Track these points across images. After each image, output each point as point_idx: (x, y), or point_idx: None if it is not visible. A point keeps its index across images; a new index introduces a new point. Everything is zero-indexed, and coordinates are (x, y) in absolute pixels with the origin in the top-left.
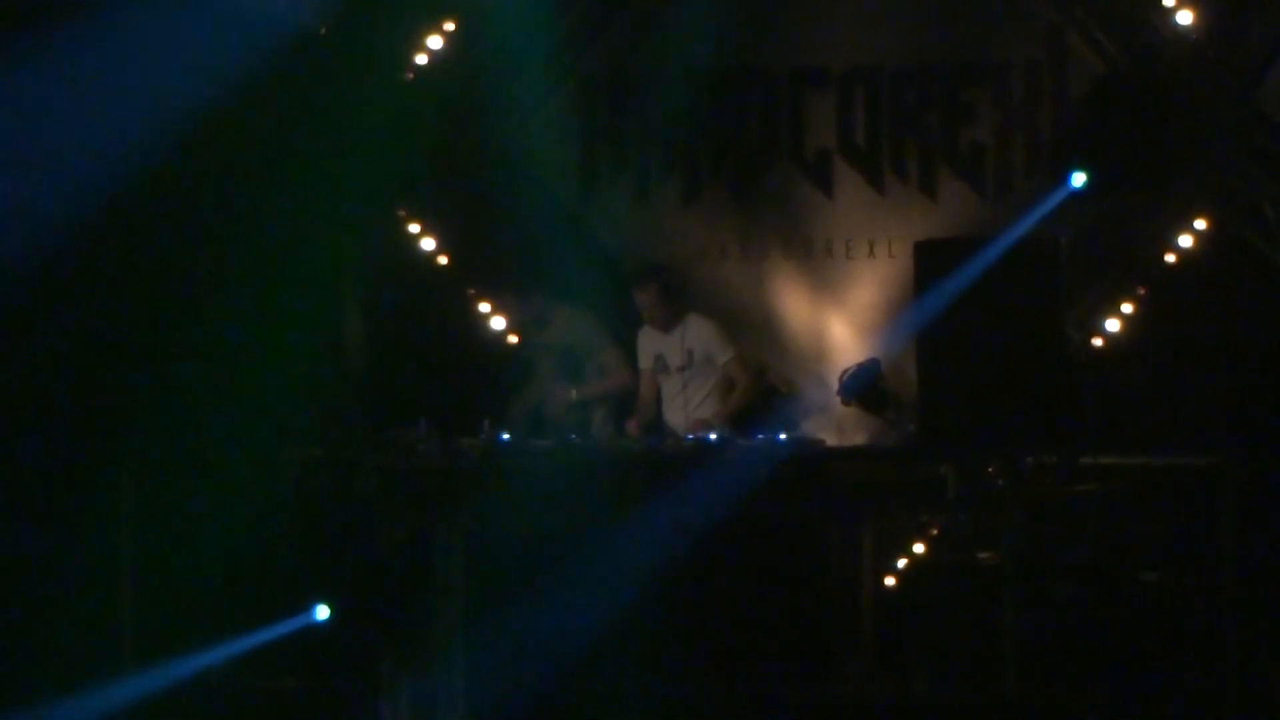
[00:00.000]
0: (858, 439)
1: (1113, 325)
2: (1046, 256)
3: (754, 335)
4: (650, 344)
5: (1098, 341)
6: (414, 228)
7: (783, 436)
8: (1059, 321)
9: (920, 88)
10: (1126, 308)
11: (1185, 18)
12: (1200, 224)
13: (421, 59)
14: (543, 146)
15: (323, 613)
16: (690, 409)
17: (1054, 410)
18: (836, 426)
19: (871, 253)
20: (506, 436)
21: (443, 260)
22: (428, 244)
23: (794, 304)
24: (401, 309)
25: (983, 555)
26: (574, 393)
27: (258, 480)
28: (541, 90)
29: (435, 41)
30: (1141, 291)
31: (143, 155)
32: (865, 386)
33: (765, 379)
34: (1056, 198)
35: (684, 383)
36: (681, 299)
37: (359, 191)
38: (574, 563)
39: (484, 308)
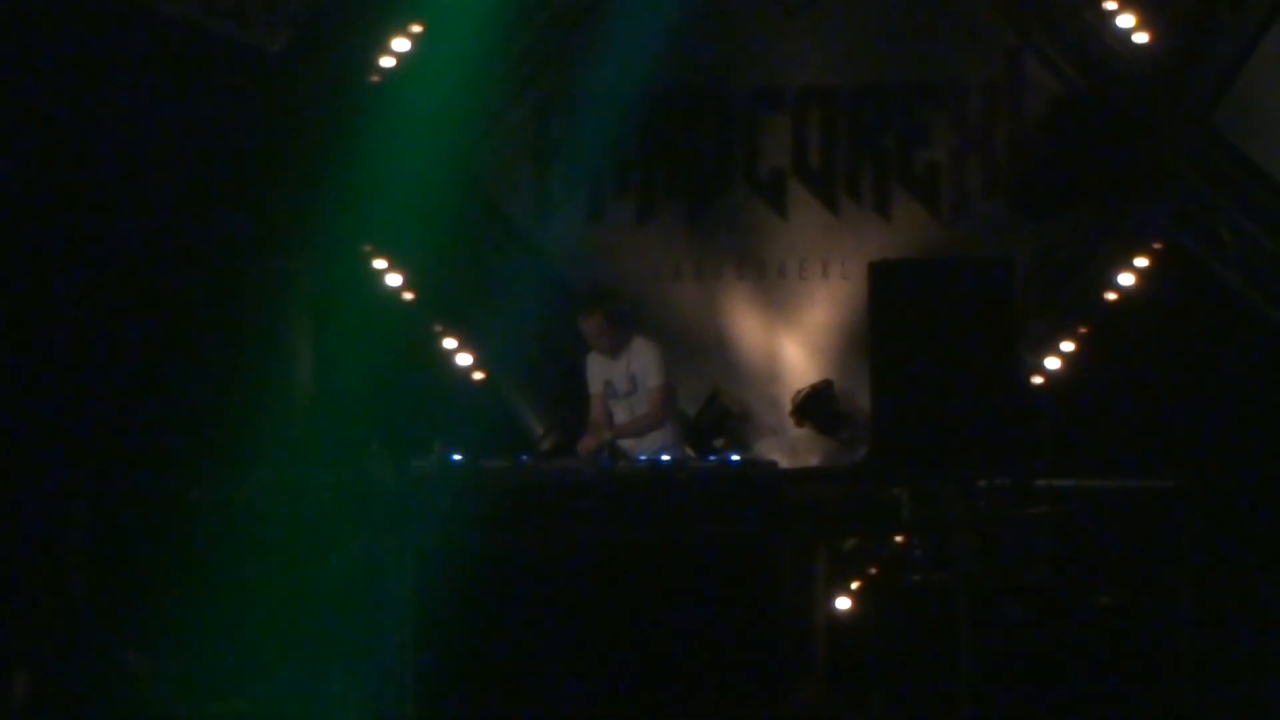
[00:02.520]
0: (811, 460)
1: (1068, 347)
2: (1001, 278)
3: (707, 356)
4: (599, 368)
5: (1053, 363)
6: (364, 247)
7: (735, 458)
8: (1013, 343)
9: (876, 108)
10: (1082, 329)
11: (1142, 39)
12: (1156, 246)
13: (375, 78)
14: (496, 165)
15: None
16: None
17: (1008, 432)
18: (790, 448)
19: (825, 273)
20: (458, 457)
21: (406, 294)
22: (378, 263)
23: (748, 325)
24: (351, 327)
25: (936, 577)
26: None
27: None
28: (495, 108)
29: (387, 61)
30: (1097, 314)
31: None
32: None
33: (716, 405)
34: None
35: (631, 408)
36: (627, 324)
37: (312, 213)
38: (525, 584)
39: (449, 343)
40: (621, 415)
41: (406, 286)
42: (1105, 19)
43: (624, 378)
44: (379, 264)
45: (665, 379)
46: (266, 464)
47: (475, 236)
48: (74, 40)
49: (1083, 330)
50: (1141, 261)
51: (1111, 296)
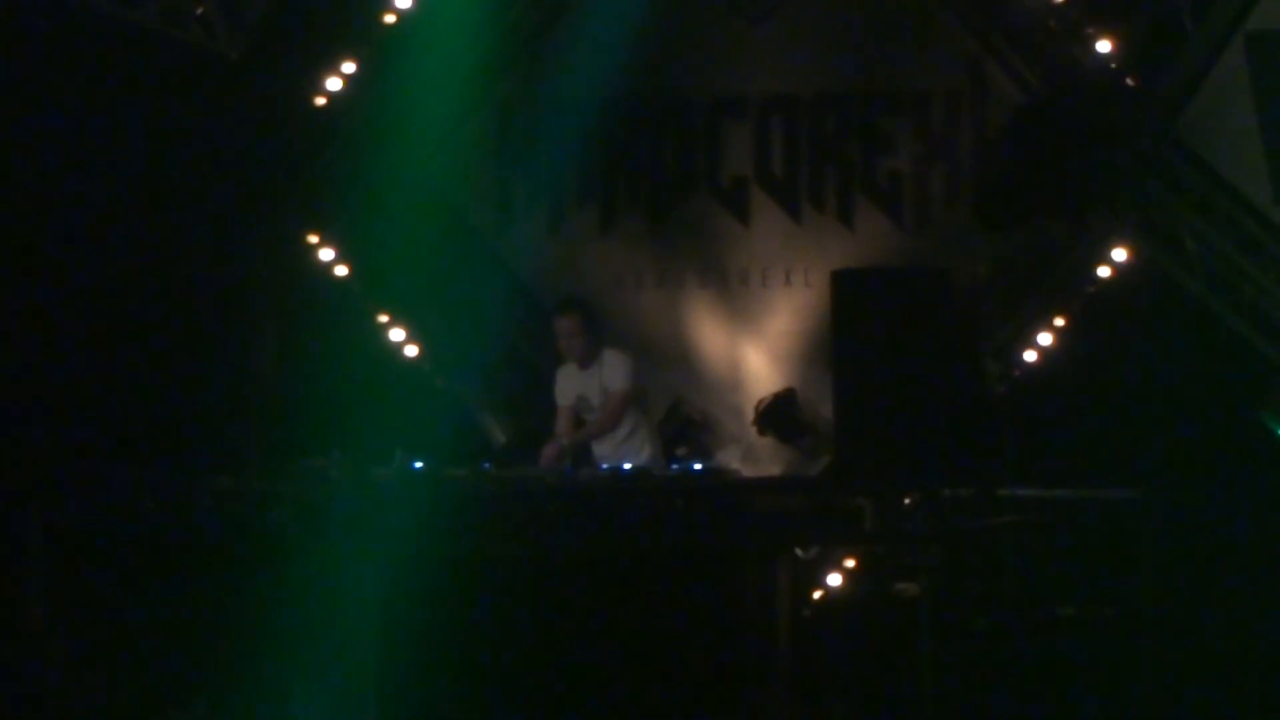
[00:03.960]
0: (774, 469)
1: (1030, 357)
2: (964, 288)
3: (670, 365)
4: (570, 383)
5: (1016, 373)
6: (327, 253)
7: (698, 466)
8: (976, 353)
9: (838, 117)
10: (1045, 339)
11: (1105, 47)
12: (1119, 255)
13: (335, 83)
14: (457, 173)
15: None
16: (617, 444)
17: (971, 442)
18: (752, 457)
19: (788, 282)
20: (419, 465)
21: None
22: (340, 270)
23: (710, 333)
24: (313, 335)
25: (900, 587)
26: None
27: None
28: (456, 116)
29: (349, 66)
30: (1060, 323)
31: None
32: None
33: (679, 414)
34: None
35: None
36: (600, 333)
37: (270, 217)
38: (487, 592)
39: (397, 334)
40: None
41: (354, 277)
42: (1068, 27)
43: (598, 389)
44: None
45: (628, 386)
46: (226, 472)
47: (437, 244)
48: (31, 46)
49: (1045, 339)
50: (1104, 271)
51: (1074, 305)
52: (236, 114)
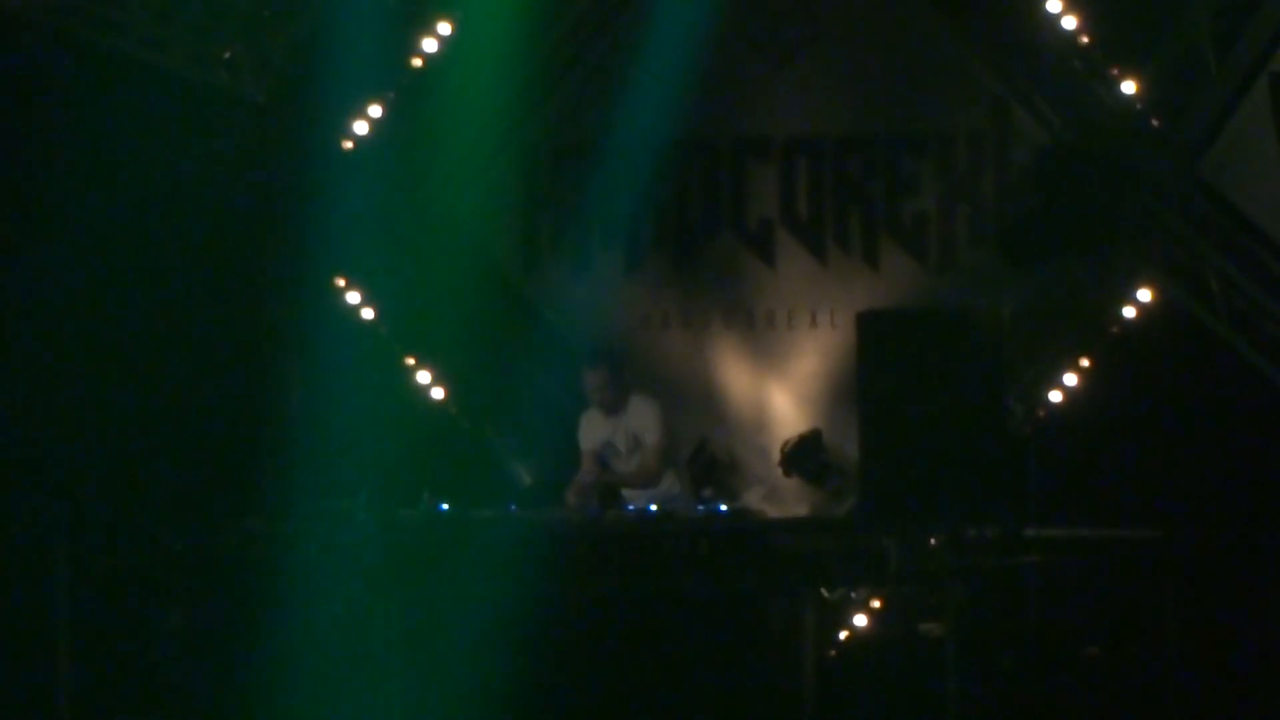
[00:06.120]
0: (799, 510)
1: (1055, 397)
2: (988, 328)
3: (695, 406)
4: (597, 428)
5: (1040, 413)
6: (354, 296)
7: (724, 507)
8: (1001, 393)
9: (863, 158)
10: (1069, 379)
11: (1129, 88)
12: (1144, 295)
13: (362, 127)
14: (483, 215)
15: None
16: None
17: (996, 482)
18: (778, 498)
19: (814, 323)
20: (446, 507)
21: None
22: (367, 313)
23: (736, 374)
24: (339, 377)
25: (925, 627)
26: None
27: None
28: (482, 158)
29: (375, 110)
30: (1085, 363)
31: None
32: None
33: (704, 455)
34: None
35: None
36: (628, 379)
37: (297, 260)
38: (514, 633)
39: (424, 376)
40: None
41: (380, 319)
42: (1092, 68)
43: (624, 436)
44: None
45: (661, 437)
46: (253, 513)
47: (463, 286)
48: (66, 91)
49: (1071, 380)
50: (1128, 311)
51: (1099, 346)
52: (263, 157)
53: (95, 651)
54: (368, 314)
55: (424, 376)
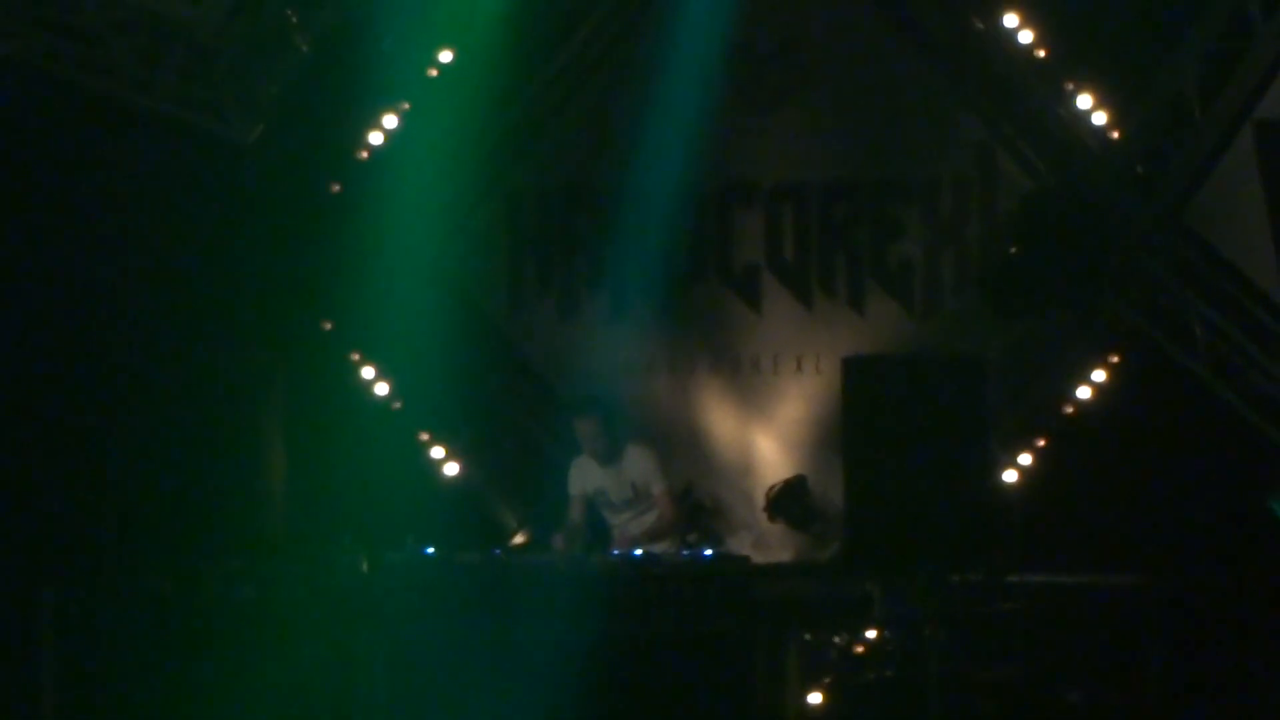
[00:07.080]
0: (783, 556)
1: (1039, 442)
2: (973, 374)
3: (681, 451)
4: (588, 476)
5: (1024, 459)
6: (340, 342)
7: (708, 552)
8: (985, 439)
9: (848, 204)
10: (1053, 425)
11: (1114, 135)
12: (1128, 342)
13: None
14: (469, 260)
15: None
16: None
17: (979, 528)
18: (763, 543)
19: (799, 368)
20: (430, 550)
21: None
22: (355, 358)
23: (721, 419)
24: (326, 423)
25: (907, 673)
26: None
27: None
28: (467, 205)
29: (363, 155)
30: (1068, 410)
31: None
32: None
33: (689, 499)
34: None
35: (636, 515)
36: (620, 428)
37: (284, 303)
38: (497, 677)
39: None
40: (623, 523)
41: (365, 363)
42: (1077, 115)
43: (622, 486)
44: (367, 372)
45: (666, 482)
46: (237, 556)
47: (449, 331)
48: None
49: (1054, 426)
50: (1112, 359)
51: (1082, 393)
52: (247, 200)
53: (79, 691)
54: (355, 358)
55: (422, 435)
